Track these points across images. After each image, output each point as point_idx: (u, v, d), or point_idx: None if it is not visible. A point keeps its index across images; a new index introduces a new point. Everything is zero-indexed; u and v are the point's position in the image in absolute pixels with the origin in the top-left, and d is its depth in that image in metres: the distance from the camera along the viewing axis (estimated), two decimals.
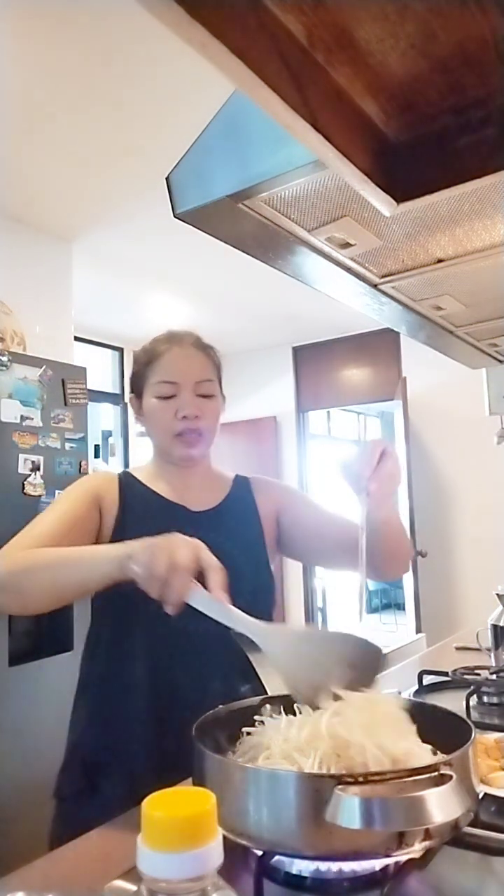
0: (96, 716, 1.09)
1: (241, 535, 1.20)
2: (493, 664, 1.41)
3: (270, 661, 0.81)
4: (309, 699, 0.77)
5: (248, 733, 0.75)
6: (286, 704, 0.82)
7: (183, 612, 1.02)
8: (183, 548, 0.83)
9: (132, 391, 1.23)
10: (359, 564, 1.01)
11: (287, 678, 0.80)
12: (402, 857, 0.60)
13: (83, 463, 2.78)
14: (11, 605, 1.04)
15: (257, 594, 1.14)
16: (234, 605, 1.04)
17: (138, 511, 1.14)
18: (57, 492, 2.52)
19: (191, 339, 1.21)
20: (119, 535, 1.08)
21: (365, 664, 0.81)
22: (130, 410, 1.27)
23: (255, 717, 0.78)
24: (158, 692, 1.05)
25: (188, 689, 1.05)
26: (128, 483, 1.18)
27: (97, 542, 1.10)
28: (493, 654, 1.44)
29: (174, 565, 0.81)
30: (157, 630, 1.06)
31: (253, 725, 0.77)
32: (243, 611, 0.98)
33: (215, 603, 0.83)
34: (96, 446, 4.27)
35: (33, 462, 2.58)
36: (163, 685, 1.06)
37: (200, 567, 0.84)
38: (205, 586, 0.84)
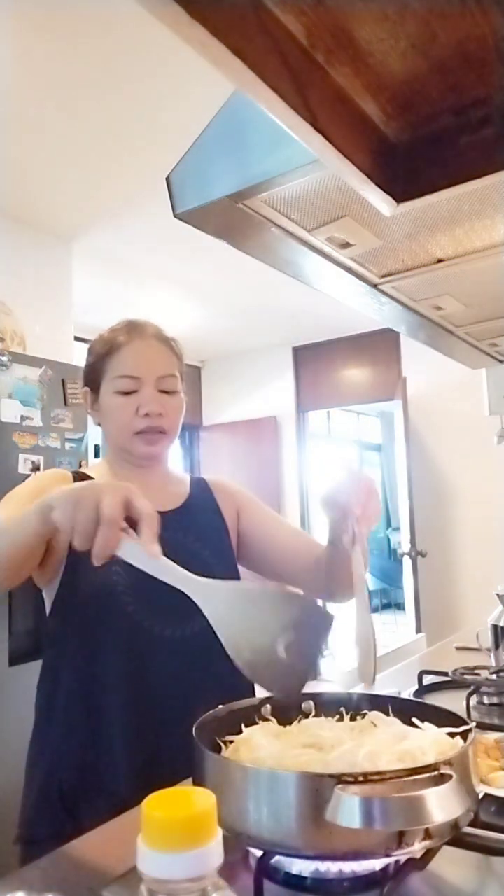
0: (68, 745, 1.00)
1: (208, 535, 1.15)
2: (493, 664, 1.40)
3: (212, 621, 0.74)
4: (251, 663, 0.72)
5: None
6: (286, 705, 0.82)
7: (158, 618, 0.99)
8: (109, 495, 0.73)
9: (86, 384, 1.15)
10: (356, 602, 0.93)
11: (228, 639, 0.73)
12: (402, 856, 0.60)
13: (83, 463, 2.78)
14: None
15: (214, 577, 1.10)
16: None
17: None
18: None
19: (153, 331, 1.13)
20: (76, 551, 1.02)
21: (313, 629, 0.76)
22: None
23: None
24: (139, 710, 0.99)
25: (173, 705, 0.98)
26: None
27: (48, 547, 0.99)
28: (493, 654, 1.44)
29: (99, 516, 0.72)
30: (132, 643, 1.00)
31: (254, 725, 0.77)
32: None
33: (147, 556, 0.75)
34: (96, 446, 4.27)
35: (33, 462, 2.58)
36: (144, 703, 0.99)
37: (130, 515, 0.75)
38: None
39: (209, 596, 0.75)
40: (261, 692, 0.84)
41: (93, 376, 1.13)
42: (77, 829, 0.77)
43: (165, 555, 1.06)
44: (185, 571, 0.76)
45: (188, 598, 0.99)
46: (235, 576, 1.16)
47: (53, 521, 0.76)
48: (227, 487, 1.27)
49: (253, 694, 1.09)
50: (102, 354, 1.11)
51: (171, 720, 0.95)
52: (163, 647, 1.01)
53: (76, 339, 3.58)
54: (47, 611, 1.07)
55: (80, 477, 1.10)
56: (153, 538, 0.76)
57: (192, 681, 1.01)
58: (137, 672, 1.00)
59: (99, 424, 1.17)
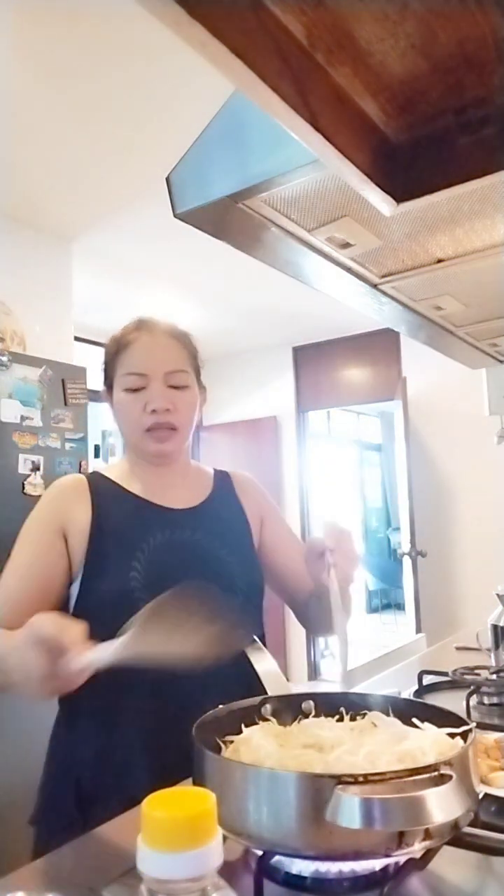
0: (88, 745, 1.01)
1: (228, 534, 1.14)
2: (493, 664, 1.40)
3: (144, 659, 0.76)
4: (194, 658, 0.75)
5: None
6: (285, 706, 0.82)
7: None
8: (35, 658, 0.74)
9: (104, 383, 1.15)
10: (334, 627, 0.97)
11: (164, 659, 0.76)
12: (402, 857, 0.60)
13: (83, 463, 2.78)
14: None
15: (250, 594, 1.10)
16: (225, 602, 1.00)
17: (112, 514, 1.06)
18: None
19: (162, 327, 1.12)
20: (96, 544, 1.02)
21: (226, 615, 0.79)
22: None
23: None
24: (160, 713, 0.98)
25: (193, 707, 0.98)
26: (98, 485, 1.09)
27: (70, 560, 1.03)
28: (493, 654, 1.44)
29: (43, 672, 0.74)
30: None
31: (254, 725, 0.77)
32: (236, 612, 0.94)
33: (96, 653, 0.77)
34: (96, 446, 4.27)
35: (33, 462, 2.58)
36: (165, 705, 0.98)
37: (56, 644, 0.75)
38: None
39: (133, 645, 0.77)
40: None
41: (107, 376, 1.13)
42: (87, 826, 0.78)
43: (186, 556, 1.04)
44: (103, 645, 0.77)
45: (214, 586, 1.01)
46: (257, 579, 1.14)
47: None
48: (253, 488, 1.25)
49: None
50: (113, 353, 1.11)
51: (190, 722, 0.94)
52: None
53: (76, 339, 3.58)
54: (70, 610, 1.05)
55: (98, 479, 1.10)
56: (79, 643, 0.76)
57: (212, 682, 0.98)
58: (158, 674, 0.98)
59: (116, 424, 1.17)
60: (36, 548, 1.04)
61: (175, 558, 1.05)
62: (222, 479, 1.22)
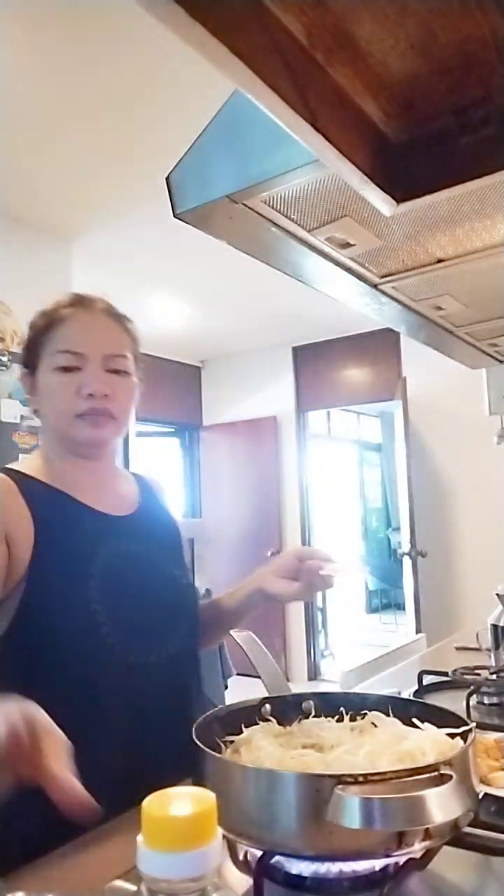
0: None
1: (168, 542, 1.07)
2: (493, 664, 1.40)
3: None
4: None
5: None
6: (285, 706, 0.82)
7: (137, 643, 0.90)
8: None
9: (24, 364, 1.01)
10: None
11: None
12: (402, 857, 0.60)
13: None
14: None
15: (187, 597, 1.04)
16: (168, 610, 0.98)
17: (55, 523, 0.91)
18: None
19: (102, 305, 1.02)
20: (40, 560, 0.87)
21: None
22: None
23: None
24: (120, 739, 0.90)
25: (157, 730, 0.91)
26: (30, 489, 0.93)
27: (9, 571, 0.87)
28: (493, 654, 1.44)
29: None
30: (110, 671, 0.89)
31: (254, 725, 0.77)
32: (175, 616, 0.95)
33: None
34: None
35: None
36: (126, 732, 0.90)
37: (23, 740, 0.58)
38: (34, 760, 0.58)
39: None
40: (254, 693, 0.84)
41: (31, 354, 1.00)
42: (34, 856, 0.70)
43: (140, 567, 0.98)
44: None
45: (165, 620, 0.98)
46: (188, 577, 1.07)
47: None
48: (164, 491, 1.17)
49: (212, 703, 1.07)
50: (42, 328, 0.98)
51: (153, 744, 0.91)
52: (142, 673, 0.92)
53: None
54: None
55: (23, 483, 0.94)
56: (60, 756, 0.60)
57: (174, 704, 0.95)
58: (116, 700, 0.90)
59: (35, 412, 1.02)
60: None
61: (128, 570, 0.96)
62: (142, 482, 1.12)
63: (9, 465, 0.98)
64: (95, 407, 0.94)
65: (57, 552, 0.89)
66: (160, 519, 1.10)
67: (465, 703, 1.07)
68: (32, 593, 0.87)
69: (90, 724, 0.85)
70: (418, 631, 3.99)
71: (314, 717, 0.82)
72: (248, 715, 0.79)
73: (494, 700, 1.20)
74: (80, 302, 1.00)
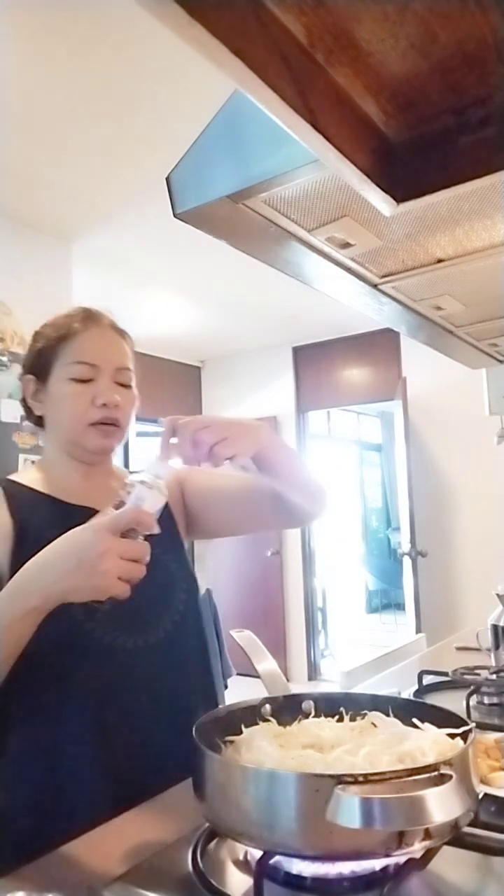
0: (25, 779, 0.90)
1: (165, 537, 1.04)
2: (493, 664, 1.40)
3: None
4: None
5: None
6: (285, 706, 0.82)
7: (120, 630, 0.93)
8: (105, 558, 0.74)
9: (31, 371, 1.05)
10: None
11: None
12: (402, 857, 0.60)
13: None
14: None
15: (189, 588, 1.07)
16: (168, 602, 1.01)
17: (39, 525, 0.94)
18: None
19: (108, 321, 1.09)
20: (19, 560, 0.86)
21: None
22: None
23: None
24: (108, 727, 0.92)
25: (145, 717, 0.94)
26: (15, 495, 0.98)
27: None
28: (493, 654, 1.44)
29: (102, 573, 0.73)
30: (95, 660, 0.93)
31: (254, 725, 0.77)
32: (176, 607, 0.96)
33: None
34: None
35: (33, 462, 2.58)
36: (113, 720, 0.92)
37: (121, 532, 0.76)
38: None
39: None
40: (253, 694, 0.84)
41: (42, 362, 1.04)
42: (39, 851, 0.73)
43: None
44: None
45: (151, 605, 0.98)
46: (188, 565, 1.10)
47: (55, 601, 0.76)
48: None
49: (216, 694, 1.09)
50: (55, 339, 1.04)
51: (142, 731, 0.93)
52: (127, 659, 0.95)
53: None
54: None
55: (12, 490, 0.99)
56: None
57: (163, 688, 0.97)
58: (103, 689, 0.93)
59: (38, 419, 1.07)
60: None
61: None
62: None
63: (9, 476, 1.05)
64: (108, 416, 1.01)
65: (38, 548, 0.88)
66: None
67: (465, 703, 1.07)
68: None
69: (74, 710, 0.91)
70: (418, 631, 3.99)
71: (314, 717, 0.82)
72: (248, 715, 0.79)
73: (494, 700, 1.20)
74: (90, 317, 1.07)
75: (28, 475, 1.06)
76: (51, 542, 0.81)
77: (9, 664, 0.81)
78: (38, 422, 1.08)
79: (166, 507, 1.10)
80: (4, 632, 0.78)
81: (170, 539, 1.11)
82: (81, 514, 0.94)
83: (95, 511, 0.96)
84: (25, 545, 0.91)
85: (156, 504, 0.81)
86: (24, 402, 1.08)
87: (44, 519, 0.96)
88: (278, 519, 1.19)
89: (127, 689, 0.95)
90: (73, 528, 0.92)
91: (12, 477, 1.04)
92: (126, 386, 1.05)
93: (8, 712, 0.90)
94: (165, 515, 1.08)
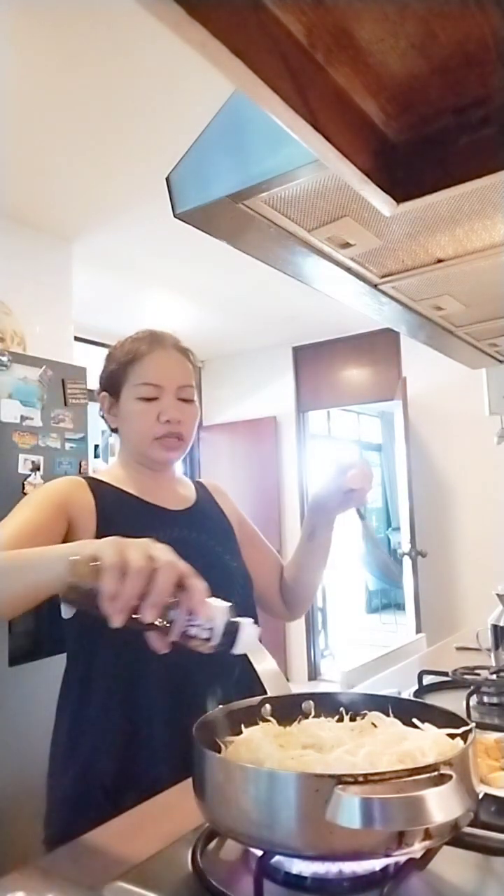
0: (107, 740, 1.02)
1: (219, 532, 1.22)
2: (493, 664, 1.40)
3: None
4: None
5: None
6: (285, 706, 0.82)
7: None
8: (164, 572, 0.72)
9: (105, 389, 1.20)
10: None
11: None
12: (402, 857, 0.60)
13: (83, 463, 2.78)
14: None
15: (245, 586, 1.18)
16: (216, 590, 1.02)
17: (116, 514, 1.09)
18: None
19: (172, 341, 1.20)
20: (102, 535, 0.98)
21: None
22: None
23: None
24: (178, 699, 1.02)
25: (211, 693, 1.00)
26: (97, 487, 1.13)
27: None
28: (493, 654, 1.44)
29: (150, 592, 0.70)
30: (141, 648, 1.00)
31: (254, 725, 0.77)
32: (238, 604, 0.96)
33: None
34: (96, 446, 4.27)
35: (33, 462, 2.57)
36: (183, 691, 1.01)
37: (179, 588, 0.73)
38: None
39: None
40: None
41: (113, 382, 1.18)
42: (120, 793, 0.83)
43: (191, 553, 0.99)
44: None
45: (219, 584, 1.01)
46: (244, 568, 1.21)
47: (88, 580, 0.73)
48: (225, 494, 1.34)
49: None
50: (125, 362, 1.16)
51: (200, 696, 0.96)
52: (187, 651, 1.00)
53: (76, 339, 3.57)
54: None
55: (94, 483, 1.12)
56: (203, 597, 0.74)
57: (227, 665, 1.01)
58: (174, 661, 0.96)
59: (114, 430, 1.22)
60: (37, 511, 1.02)
61: (181, 554, 1.05)
62: (201, 487, 1.31)
63: (89, 474, 1.22)
64: (171, 431, 1.13)
65: (115, 533, 0.93)
66: (213, 513, 1.26)
67: (465, 703, 1.07)
68: None
69: (140, 697, 1.02)
70: (418, 631, 3.99)
71: (314, 717, 0.82)
72: (248, 715, 0.79)
73: (494, 700, 1.20)
74: (155, 339, 1.18)
75: (107, 475, 1.19)
76: (129, 531, 0.85)
77: (24, 606, 0.84)
78: (115, 431, 1.23)
79: (221, 510, 1.29)
80: (38, 572, 0.80)
81: (229, 539, 1.23)
82: (151, 510, 1.15)
83: (164, 508, 1.16)
84: (104, 528, 1.04)
85: (217, 622, 0.76)
86: (102, 415, 1.23)
87: (122, 511, 1.10)
88: (275, 603, 1.33)
89: (195, 663, 0.95)
90: (146, 520, 1.12)
91: (97, 475, 1.18)
92: (188, 401, 1.16)
93: (93, 666, 1.03)
94: (225, 521, 1.27)
